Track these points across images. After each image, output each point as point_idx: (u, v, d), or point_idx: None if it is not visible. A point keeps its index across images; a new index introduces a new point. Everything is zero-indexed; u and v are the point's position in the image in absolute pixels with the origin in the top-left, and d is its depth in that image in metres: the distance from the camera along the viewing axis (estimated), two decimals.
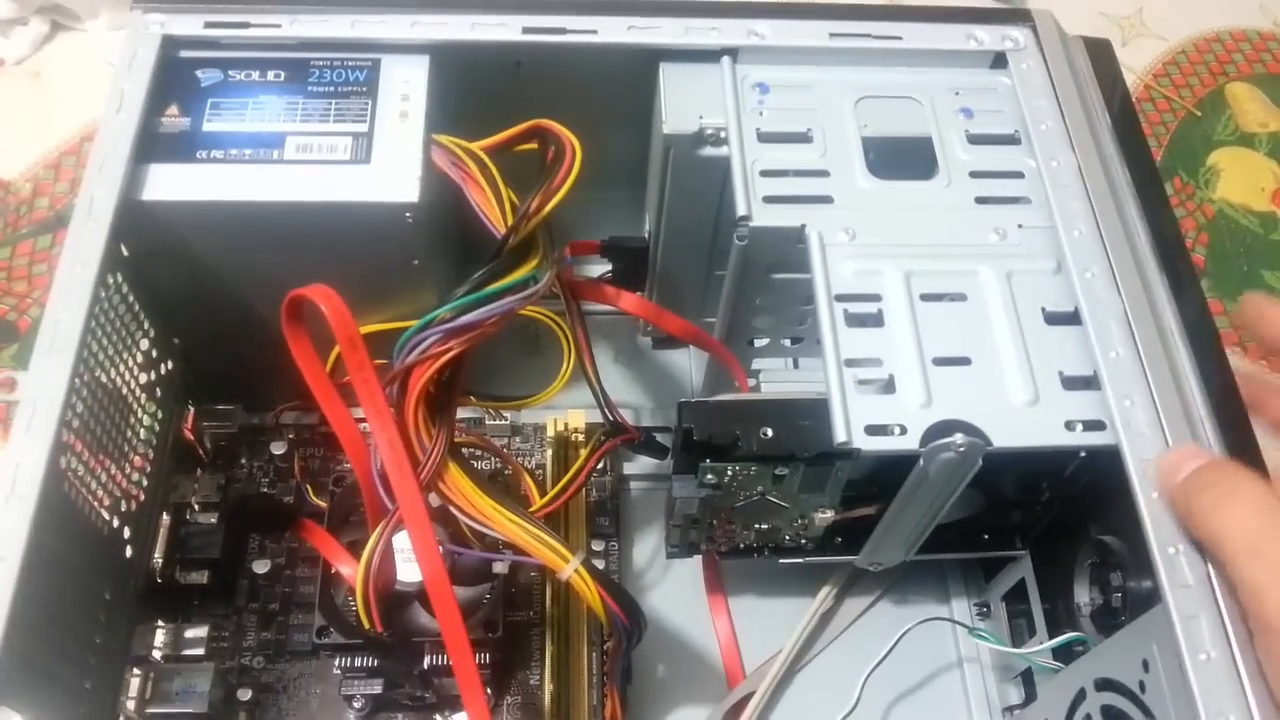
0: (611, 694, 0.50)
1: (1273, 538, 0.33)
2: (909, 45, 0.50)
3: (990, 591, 0.56)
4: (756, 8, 0.50)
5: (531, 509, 0.48)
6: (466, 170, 0.45)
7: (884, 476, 0.43)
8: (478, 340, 0.41)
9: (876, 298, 0.43)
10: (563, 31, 0.49)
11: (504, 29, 0.49)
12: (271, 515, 0.55)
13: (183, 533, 0.52)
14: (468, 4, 0.49)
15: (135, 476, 0.50)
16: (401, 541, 0.44)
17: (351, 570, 0.47)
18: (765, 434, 0.42)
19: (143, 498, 0.50)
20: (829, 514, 0.47)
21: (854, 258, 0.44)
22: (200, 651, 0.50)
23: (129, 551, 0.49)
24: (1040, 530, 0.50)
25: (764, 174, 0.47)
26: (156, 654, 0.49)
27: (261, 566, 0.54)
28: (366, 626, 0.43)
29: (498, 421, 0.58)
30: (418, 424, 0.42)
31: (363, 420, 0.42)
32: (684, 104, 0.48)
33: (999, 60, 0.51)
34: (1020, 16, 0.52)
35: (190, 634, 0.51)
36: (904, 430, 0.40)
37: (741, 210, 0.45)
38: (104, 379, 0.45)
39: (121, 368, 0.47)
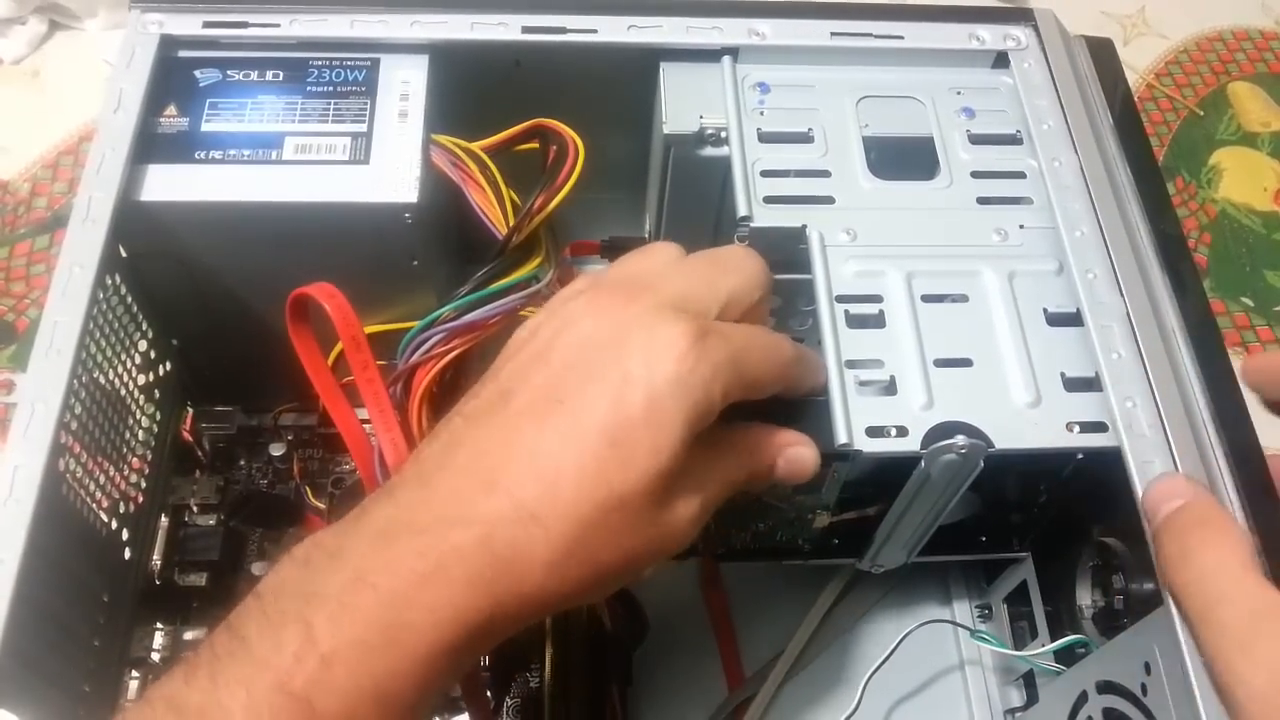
0: (611, 696, 0.50)
1: (1229, 601, 0.30)
2: (910, 45, 0.50)
3: (992, 594, 0.56)
4: (757, 7, 0.50)
5: None
6: (466, 170, 0.45)
7: (884, 478, 0.43)
8: (481, 340, 0.41)
9: (878, 299, 0.43)
10: (563, 31, 0.49)
11: (504, 28, 0.48)
12: (274, 510, 0.55)
13: (181, 534, 0.52)
14: (467, 3, 0.49)
15: (134, 478, 0.49)
16: None
17: None
18: None
19: (141, 499, 0.50)
20: (825, 516, 0.46)
21: (855, 258, 0.44)
22: None
23: (128, 553, 0.49)
24: (1042, 532, 0.50)
25: (765, 174, 0.46)
26: (155, 656, 0.49)
27: (260, 569, 0.53)
28: None
29: None
30: (422, 425, 0.42)
31: (367, 421, 0.42)
32: (684, 104, 0.48)
33: (1000, 60, 0.51)
34: (1022, 15, 0.52)
35: (189, 636, 0.50)
36: (905, 432, 0.40)
37: (742, 210, 0.45)
38: (102, 380, 0.45)
39: (120, 369, 0.47)
